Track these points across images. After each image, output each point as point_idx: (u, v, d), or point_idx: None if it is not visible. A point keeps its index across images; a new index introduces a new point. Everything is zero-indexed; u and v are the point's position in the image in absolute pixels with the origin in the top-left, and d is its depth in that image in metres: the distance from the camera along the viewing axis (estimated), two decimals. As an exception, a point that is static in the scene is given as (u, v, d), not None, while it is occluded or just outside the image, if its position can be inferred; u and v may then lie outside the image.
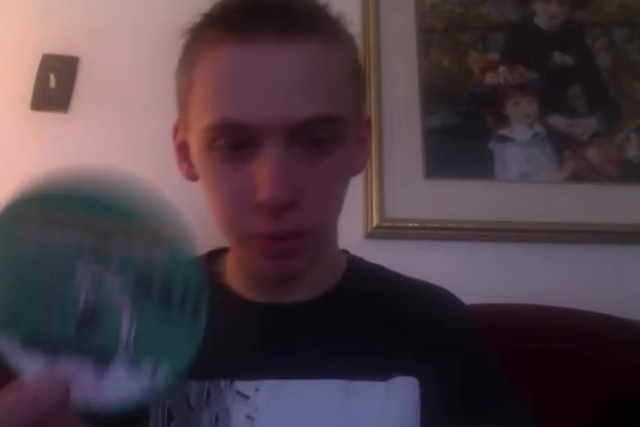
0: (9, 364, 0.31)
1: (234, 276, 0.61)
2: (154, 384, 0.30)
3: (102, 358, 0.30)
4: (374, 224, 1.08)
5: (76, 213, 0.31)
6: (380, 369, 0.54)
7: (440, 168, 1.13)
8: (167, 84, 1.23)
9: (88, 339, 0.30)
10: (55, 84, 1.16)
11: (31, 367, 0.30)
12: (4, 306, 0.31)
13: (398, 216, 1.09)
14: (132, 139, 1.14)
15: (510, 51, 1.21)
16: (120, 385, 0.30)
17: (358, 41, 1.17)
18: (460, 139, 1.15)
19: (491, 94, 1.18)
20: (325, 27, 0.51)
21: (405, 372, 0.54)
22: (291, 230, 0.49)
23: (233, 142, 0.48)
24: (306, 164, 0.48)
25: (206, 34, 0.50)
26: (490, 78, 1.19)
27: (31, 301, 0.30)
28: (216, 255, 0.65)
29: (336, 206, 0.54)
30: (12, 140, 1.14)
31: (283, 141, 0.47)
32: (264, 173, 0.46)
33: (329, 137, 0.49)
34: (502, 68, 1.19)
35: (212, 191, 0.52)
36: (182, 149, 0.58)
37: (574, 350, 0.85)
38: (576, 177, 1.13)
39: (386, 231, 1.08)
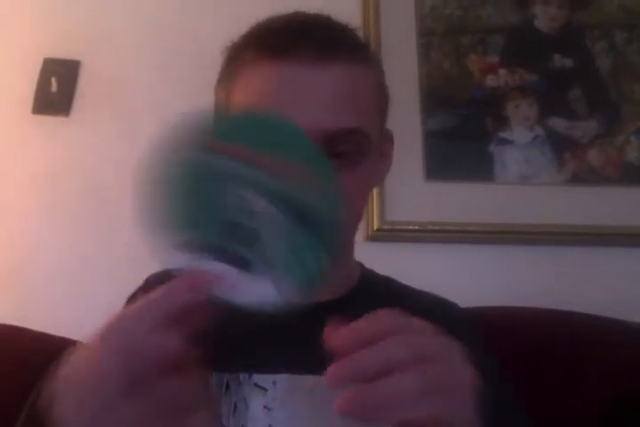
0: (164, 264, 0.37)
1: None
2: (290, 294, 0.35)
3: (246, 266, 0.35)
4: (375, 227, 1.08)
5: (238, 144, 0.36)
6: None
7: (440, 170, 1.13)
8: (168, 88, 1.24)
9: (234, 249, 0.36)
10: (56, 88, 1.17)
11: (183, 265, 0.35)
12: (166, 215, 0.37)
13: (399, 219, 1.09)
14: (132, 142, 1.14)
15: (510, 53, 1.21)
16: (259, 291, 0.35)
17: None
18: (460, 141, 1.15)
19: (491, 97, 1.18)
20: (355, 50, 0.56)
21: None
22: None
23: None
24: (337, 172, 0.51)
25: (247, 53, 0.55)
26: (490, 81, 1.19)
27: (189, 212, 0.36)
28: None
29: (359, 215, 0.59)
30: (13, 144, 1.15)
31: None
32: None
33: (355, 150, 0.54)
34: (502, 71, 1.20)
35: None
36: None
37: (573, 352, 0.85)
38: (576, 179, 1.13)
39: (386, 234, 1.08)
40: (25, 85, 1.17)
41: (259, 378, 0.55)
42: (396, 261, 0.91)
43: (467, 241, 1.10)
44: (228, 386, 0.55)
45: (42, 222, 1.10)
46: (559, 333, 0.88)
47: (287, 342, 0.57)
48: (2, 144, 1.15)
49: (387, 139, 0.65)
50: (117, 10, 1.22)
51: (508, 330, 0.84)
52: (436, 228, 1.09)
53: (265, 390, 0.55)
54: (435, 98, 1.18)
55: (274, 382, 0.55)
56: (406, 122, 1.15)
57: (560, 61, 1.21)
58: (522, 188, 1.13)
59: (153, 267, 0.69)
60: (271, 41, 0.54)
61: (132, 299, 0.66)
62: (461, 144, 1.15)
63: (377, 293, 0.65)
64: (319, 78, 0.52)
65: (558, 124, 1.16)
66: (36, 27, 1.21)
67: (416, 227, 1.09)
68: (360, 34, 0.61)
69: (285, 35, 0.53)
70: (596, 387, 0.81)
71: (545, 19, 1.24)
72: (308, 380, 0.55)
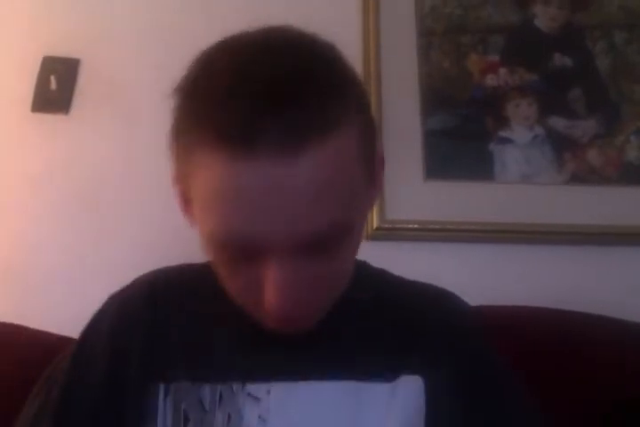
0: None
1: None
2: None
3: None
4: (375, 226, 1.08)
5: None
6: (388, 370, 0.55)
7: (440, 170, 1.13)
8: (167, 86, 1.23)
9: None
10: (56, 86, 1.17)
11: None
12: None
13: (399, 218, 1.09)
14: (132, 140, 1.14)
15: (510, 53, 1.21)
16: None
17: (359, 44, 1.18)
18: (460, 141, 1.15)
19: (491, 96, 1.18)
20: (331, 118, 0.44)
21: (411, 371, 0.56)
22: (302, 316, 0.49)
23: (237, 252, 0.46)
24: (314, 266, 0.46)
25: (196, 136, 0.45)
26: (490, 80, 1.19)
27: None
28: None
29: (349, 276, 0.54)
30: (12, 142, 1.14)
31: (287, 254, 0.45)
32: (270, 289, 0.45)
33: (337, 240, 0.47)
34: (502, 70, 1.20)
35: (220, 275, 0.51)
36: (184, 200, 0.53)
37: (572, 352, 0.85)
38: (576, 179, 1.13)
39: (386, 233, 1.08)
40: (24, 83, 1.17)
41: (252, 388, 0.54)
42: (395, 260, 0.90)
43: (466, 240, 1.10)
44: (221, 397, 0.53)
45: (41, 220, 1.10)
46: (559, 332, 0.88)
47: (281, 349, 0.55)
48: (1, 142, 1.14)
49: (377, 163, 0.55)
50: (117, 8, 1.22)
51: (508, 329, 0.84)
52: (436, 227, 1.09)
53: (259, 399, 0.53)
54: (435, 98, 1.18)
55: (268, 392, 0.53)
56: (406, 122, 1.15)
57: (560, 61, 1.21)
58: (522, 187, 1.13)
59: (152, 267, 0.69)
60: (224, 127, 0.42)
61: (111, 300, 0.62)
62: (461, 144, 1.15)
63: (371, 287, 0.62)
64: (285, 177, 0.42)
65: (558, 123, 1.16)
66: (35, 25, 1.21)
67: (416, 226, 1.09)
68: (344, 58, 0.50)
69: (243, 120, 0.41)
70: (596, 387, 0.81)
71: (545, 19, 1.24)
72: (303, 387, 0.54)
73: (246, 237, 0.44)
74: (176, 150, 0.49)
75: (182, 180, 0.49)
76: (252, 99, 0.42)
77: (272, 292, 0.45)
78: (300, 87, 0.43)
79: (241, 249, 0.45)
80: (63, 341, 0.85)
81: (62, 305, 1.04)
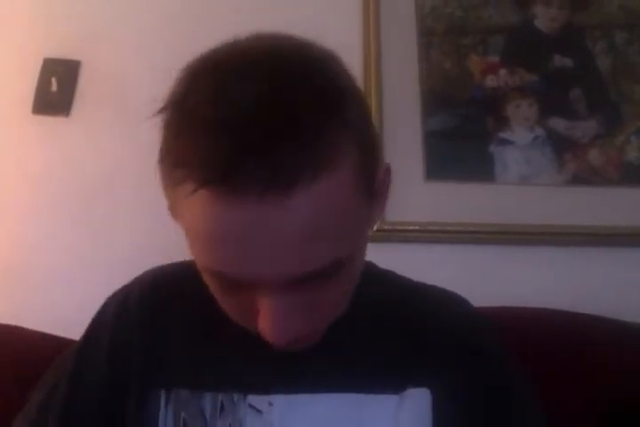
0: None
1: None
2: None
3: None
4: (375, 227, 1.07)
5: None
6: (393, 382, 0.54)
7: (440, 171, 1.13)
8: (168, 88, 1.23)
9: None
10: (56, 88, 1.17)
11: None
12: None
13: (399, 219, 1.08)
14: (132, 142, 1.14)
15: (510, 53, 1.21)
16: None
17: (359, 44, 1.18)
18: (460, 141, 1.15)
19: (491, 97, 1.18)
20: (325, 153, 0.40)
21: (419, 384, 0.54)
22: (299, 340, 0.46)
23: (230, 282, 0.45)
24: (312, 292, 0.44)
25: (178, 174, 0.41)
26: (490, 81, 1.19)
27: None
28: None
29: (351, 295, 0.51)
30: (13, 144, 1.15)
31: (283, 286, 0.43)
32: (265, 318, 0.44)
33: (337, 271, 0.44)
34: (502, 71, 1.20)
35: (213, 293, 0.50)
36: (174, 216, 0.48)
37: (573, 353, 0.85)
38: (577, 179, 1.13)
39: (386, 234, 1.08)
40: (25, 85, 1.17)
41: (253, 399, 0.52)
42: (396, 262, 0.90)
43: (467, 241, 1.09)
44: (222, 407, 0.52)
45: (41, 222, 1.10)
46: (560, 333, 0.87)
47: (283, 360, 0.51)
48: (2, 144, 1.15)
49: (383, 174, 0.52)
50: (117, 9, 1.22)
51: (508, 331, 0.83)
52: (437, 228, 1.09)
53: (261, 412, 0.52)
54: (435, 98, 1.18)
55: (270, 404, 0.52)
56: (406, 122, 1.15)
57: (560, 62, 1.21)
58: (522, 188, 1.13)
59: (152, 267, 0.69)
60: (205, 169, 0.39)
61: (112, 298, 0.62)
62: (461, 144, 1.15)
63: (379, 292, 0.59)
64: (276, 218, 0.39)
65: (558, 124, 1.16)
66: (36, 27, 1.21)
67: (416, 227, 1.09)
68: (340, 66, 0.46)
69: (225, 161, 0.38)
70: (596, 387, 0.81)
71: (545, 19, 1.24)
72: (306, 399, 0.52)
73: (237, 275, 0.43)
74: (161, 178, 0.46)
75: (171, 206, 0.47)
76: (236, 135, 0.38)
77: (267, 321, 0.43)
78: (288, 120, 0.39)
79: (233, 281, 0.44)
80: (63, 341, 0.85)
81: (62, 305, 1.04)
